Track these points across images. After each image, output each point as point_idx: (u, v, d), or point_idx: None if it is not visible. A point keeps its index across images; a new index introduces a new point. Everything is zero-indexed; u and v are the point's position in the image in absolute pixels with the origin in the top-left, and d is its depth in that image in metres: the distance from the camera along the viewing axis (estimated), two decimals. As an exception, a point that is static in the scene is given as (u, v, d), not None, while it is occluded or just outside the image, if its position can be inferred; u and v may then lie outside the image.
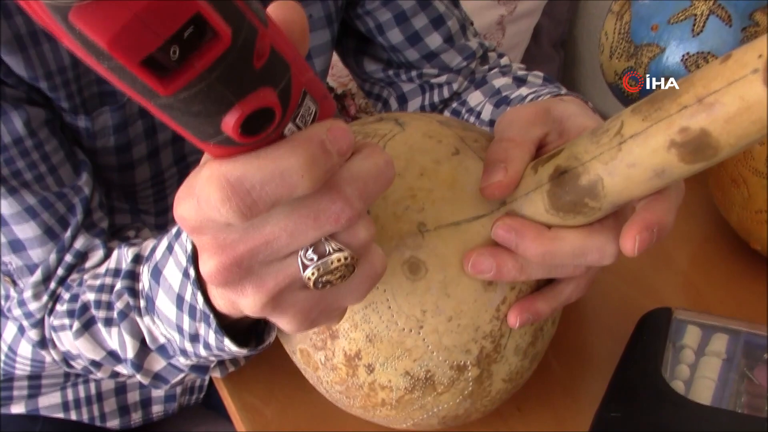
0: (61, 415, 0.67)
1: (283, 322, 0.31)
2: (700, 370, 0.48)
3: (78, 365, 0.51)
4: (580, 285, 0.41)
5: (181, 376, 0.48)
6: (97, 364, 0.49)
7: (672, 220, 0.34)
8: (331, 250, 0.28)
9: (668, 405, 0.45)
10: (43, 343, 0.51)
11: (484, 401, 0.42)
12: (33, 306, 0.50)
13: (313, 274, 0.28)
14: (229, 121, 0.22)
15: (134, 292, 0.46)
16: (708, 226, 0.71)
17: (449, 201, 0.38)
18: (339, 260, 0.28)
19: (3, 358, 0.56)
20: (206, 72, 0.20)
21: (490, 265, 0.37)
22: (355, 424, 0.48)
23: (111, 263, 0.50)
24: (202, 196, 0.25)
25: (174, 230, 0.42)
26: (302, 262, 0.28)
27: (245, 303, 0.29)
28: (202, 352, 0.43)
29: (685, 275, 0.66)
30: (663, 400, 0.45)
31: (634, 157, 0.31)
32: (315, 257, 0.28)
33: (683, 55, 0.72)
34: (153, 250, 0.45)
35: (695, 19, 0.71)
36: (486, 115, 0.64)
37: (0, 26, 0.44)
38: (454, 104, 0.68)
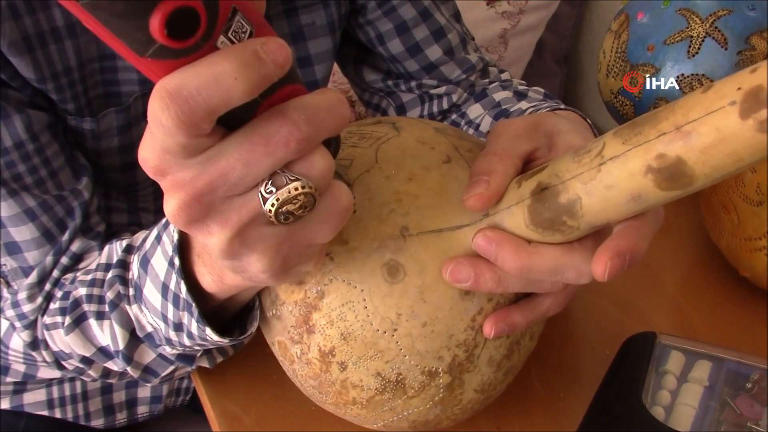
0: (45, 413, 0.67)
1: (253, 261, 0.32)
2: (681, 396, 0.47)
3: (70, 366, 0.51)
4: (559, 300, 0.41)
5: (170, 369, 0.49)
6: (88, 361, 0.49)
7: (645, 248, 0.34)
8: (288, 180, 0.29)
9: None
10: (35, 344, 0.51)
11: (455, 409, 0.42)
12: (27, 308, 0.50)
13: (272, 205, 0.29)
14: (155, 22, 0.23)
15: (125, 281, 0.47)
16: (698, 250, 0.71)
17: (434, 208, 0.39)
18: (296, 189, 0.29)
19: (-6, 350, 0.56)
20: None
21: (468, 275, 0.37)
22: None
23: (102, 258, 0.50)
24: (150, 116, 0.26)
25: (164, 221, 0.43)
26: (262, 196, 0.29)
27: (213, 243, 0.30)
28: (186, 342, 0.43)
29: (674, 299, 0.66)
30: (641, 426, 0.44)
31: (612, 179, 0.31)
32: (274, 189, 0.29)
33: (678, 77, 0.72)
34: (144, 240, 0.46)
35: (691, 41, 0.71)
36: (485, 127, 0.64)
37: (7, 27, 0.44)
38: (453, 116, 0.68)
